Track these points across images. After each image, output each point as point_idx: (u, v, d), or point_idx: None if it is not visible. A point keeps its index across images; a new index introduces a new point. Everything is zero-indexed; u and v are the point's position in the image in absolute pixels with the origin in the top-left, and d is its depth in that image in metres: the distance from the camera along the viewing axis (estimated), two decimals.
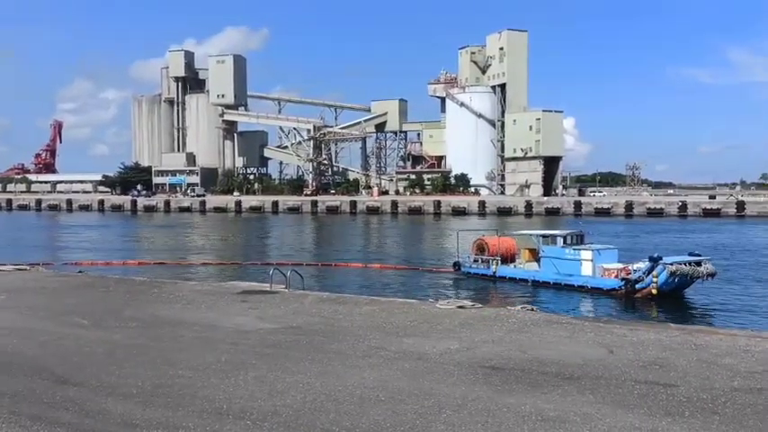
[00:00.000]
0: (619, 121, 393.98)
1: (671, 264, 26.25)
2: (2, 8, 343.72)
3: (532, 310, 13.67)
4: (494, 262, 33.12)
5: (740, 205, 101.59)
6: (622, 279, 27.47)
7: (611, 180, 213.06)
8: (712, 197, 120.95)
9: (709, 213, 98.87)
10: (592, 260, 28.83)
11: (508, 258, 33.53)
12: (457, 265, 35.41)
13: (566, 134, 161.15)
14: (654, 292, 26.35)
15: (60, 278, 20.21)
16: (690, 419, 7.25)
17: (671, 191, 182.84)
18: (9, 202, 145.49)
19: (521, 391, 8.34)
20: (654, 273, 26.32)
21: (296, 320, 12.77)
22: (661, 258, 26.63)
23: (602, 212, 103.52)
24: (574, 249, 29.93)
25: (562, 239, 30.86)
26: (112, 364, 9.77)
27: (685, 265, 26.42)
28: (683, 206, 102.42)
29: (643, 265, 27.38)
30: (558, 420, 7.26)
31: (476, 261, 34.57)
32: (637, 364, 9.59)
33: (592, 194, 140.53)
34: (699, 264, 26.81)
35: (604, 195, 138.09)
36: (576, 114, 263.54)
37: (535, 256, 32.40)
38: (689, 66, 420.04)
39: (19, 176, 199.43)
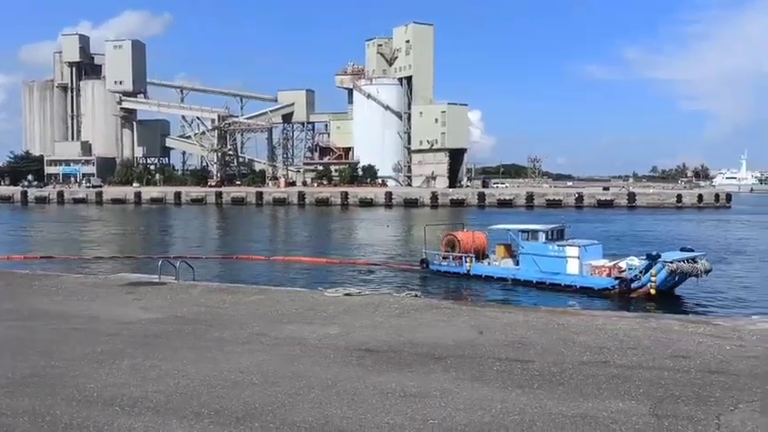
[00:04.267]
0: (523, 115, 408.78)
1: (671, 262, 24.60)
2: None
3: (416, 296, 14.25)
4: (467, 259, 30.57)
5: (631, 196, 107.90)
6: (616, 278, 25.60)
7: (514, 172, 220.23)
8: (606, 189, 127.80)
9: (603, 204, 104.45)
10: (578, 257, 26.76)
11: (480, 255, 31.12)
12: (424, 263, 32.73)
13: (471, 127, 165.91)
14: (652, 292, 24.61)
15: None
16: (537, 390, 7.95)
17: (570, 183, 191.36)
18: None
19: (389, 371, 8.82)
20: (652, 271, 24.58)
21: (180, 310, 12.80)
22: (659, 256, 24.95)
23: (505, 203, 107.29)
24: (558, 245, 27.71)
25: (544, 235, 28.52)
26: None
27: (685, 262, 24.89)
28: (580, 197, 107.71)
29: (638, 262, 25.65)
30: (418, 395, 7.77)
31: (446, 258, 31.86)
32: (502, 343, 10.31)
33: (495, 186, 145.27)
34: (695, 260, 25.33)
35: (507, 187, 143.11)
36: (481, 108, 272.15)
37: (510, 252, 30.43)
38: (588, 62, 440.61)
39: None
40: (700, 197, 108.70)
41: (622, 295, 25.17)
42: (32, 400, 7.61)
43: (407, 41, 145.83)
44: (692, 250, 26.79)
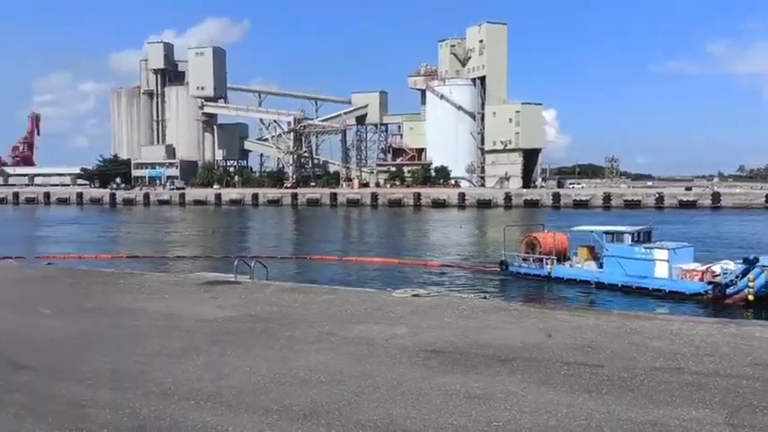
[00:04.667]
0: (600, 114, 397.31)
1: None
2: None
3: (485, 297, 14.18)
4: (548, 261, 29.72)
5: (716, 197, 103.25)
6: (709, 282, 24.41)
7: (590, 172, 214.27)
8: (689, 189, 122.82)
9: (685, 205, 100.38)
10: (668, 260, 25.67)
11: (561, 257, 30.35)
12: (503, 264, 32.01)
13: (546, 126, 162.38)
14: (750, 298, 23.21)
15: (28, 271, 20.45)
16: (605, 395, 7.80)
17: (650, 183, 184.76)
18: None
19: (454, 372, 8.84)
20: (750, 276, 23.19)
21: (254, 309, 13.19)
22: (758, 260, 23.62)
23: (581, 204, 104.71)
24: (645, 248, 26.74)
25: (630, 237, 27.54)
26: (70, 351, 10.13)
27: None
28: (660, 198, 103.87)
29: (733, 266, 24.37)
30: (483, 397, 7.77)
31: (526, 260, 31.11)
32: (571, 346, 10.13)
33: (570, 186, 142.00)
34: None
35: (583, 187, 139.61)
36: (557, 106, 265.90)
37: (594, 254, 29.48)
38: (670, 58, 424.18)
39: None
40: None
41: (716, 301, 23.85)
42: (114, 393, 8.04)
43: (481, 41, 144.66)
44: None
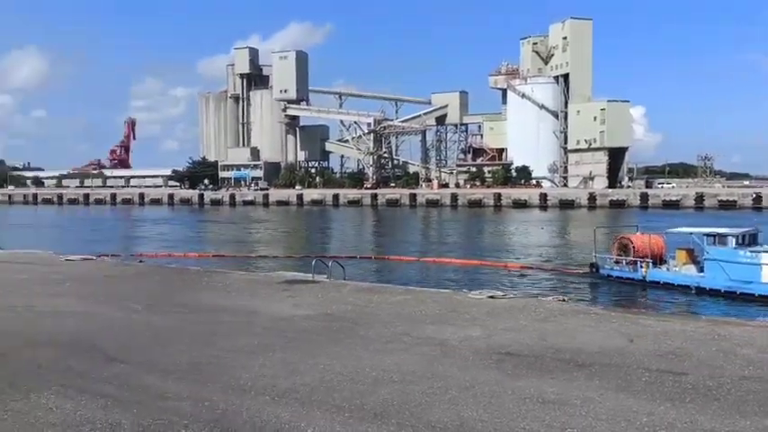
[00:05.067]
0: (693, 110, 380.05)
1: None
2: (75, 12, 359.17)
3: (563, 300, 13.86)
4: (643, 264, 28.46)
5: None
6: None
7: (681, 171, 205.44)
8: None
9: None
10: None
11: (657, 260, 28.97)
12: (594, 267, 30.98)
13: (633, 124, 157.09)
14: None
15: (121, 268, 21.55)
16: (688, 404, 7.46)
17: (747, 182, 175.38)
18: (86, 196, 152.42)
19: (529, 375, 8.68)
20: None
21: (330, 308, 13.39)
22: None
23: (671, 205, 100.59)
24: (751, 251, 25.46)
25: (735, 239, 26.15)
26: (157, 345, 10.59)
27: None
28: (758, 198, 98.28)
29: None
30: (558, 403, 7.59)
31: (618, 262, 30.02)
32: (654, 353, 9.76)
33: (660, 186, 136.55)
34: None
35: (673, 187, 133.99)
36: (645, 103, 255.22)
37: (693, 258, 28.21)
38: (765, 51, 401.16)
39: (95, 171, 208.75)
40: None
41: None
42: (195, 386, 8.35)
43: (564, 38, 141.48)
44: None
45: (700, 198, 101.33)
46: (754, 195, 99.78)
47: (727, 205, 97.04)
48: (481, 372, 8.85)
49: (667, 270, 28.24)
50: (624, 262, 29.59)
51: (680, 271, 27.69)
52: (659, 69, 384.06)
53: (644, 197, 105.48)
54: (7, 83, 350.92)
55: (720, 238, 26.53)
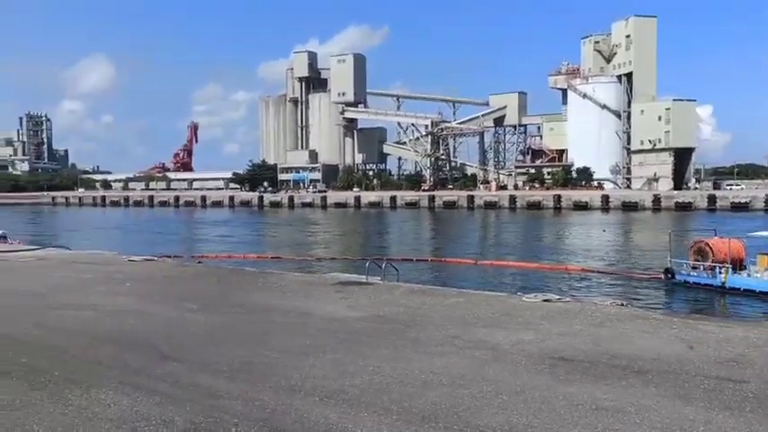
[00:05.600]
0: (762, 109, 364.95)
1: None
2: (140, 18, 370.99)
3: (622, 305, 13.49)
4: (722, 270, 27.58)
5: None
6: None
7: (751, 172, 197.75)
8: None
9: None
10: None
11: (736, 266, 28.15)
12: (669, 272, 30.20)
13: (701, 123, 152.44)
14: None
15: (180, 268, 22.10)
16: (748, 414, 7.14)
17: None
18: (151, 198, 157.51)
19: (583, 381, 8.46)
20: None
21: (382, 310, 13.39)
22: None
23: (740, 207, 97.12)
24: None
25: None
26: (210, 344, 10.80)
27: None
28: None
29: None
30: (612, 410, 7.37)
31: (695, 268, 29.15)
32: (714, 360, 9.38)
33: (728, 188, 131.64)
34: None
35: (742, 189, 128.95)
36: (714, 102, 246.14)
37: None
38: None
39: (160, 174, 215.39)
40: None
41: None
42: (245, 386, 8.47)
43: (628, 36, 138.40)
44: None
45: None
46: None
47: None
48: (533, 377, 8.68)
49: (748, 276, 27.23)
50: (702, 267, 28.66)
51: (762, 277, 26.70)
52: (727, 67, 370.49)
53: (711, 199, 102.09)
54: (78, 89, 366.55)
55: None
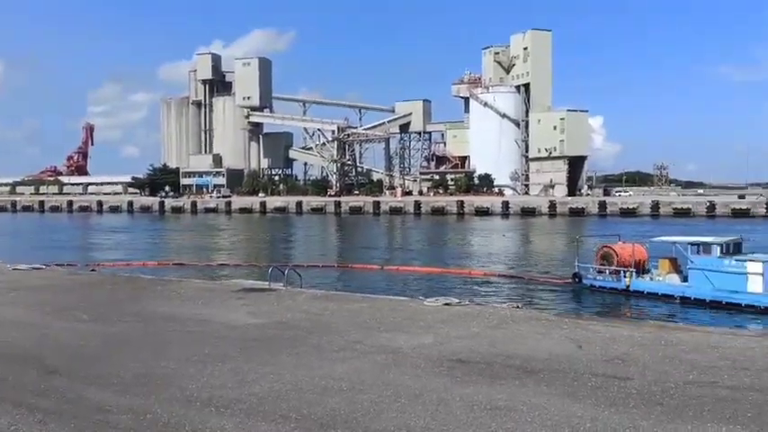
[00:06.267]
0: (649, 121, 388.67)
1: None
2: (29, 13, 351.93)
3: (517, 307, 13.96)
4: (627, 273, 28.15)
5: None
6: None
7: (639, 180, 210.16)
8: (741, 197, 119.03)
9: (738, 213, 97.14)
10: (762, 273, 24.12)
11: (640, 270, 28.69)
12: (577, 277, 30.48)
13: (592, 133, 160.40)
14: None
15: (72, 277, 21.02)
16: (632, 410, 7.55)
17: (701, 191, 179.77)
18: (41, 203, 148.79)
19: (479, 382, 8.70)
20: None
21: (284, 316, 13.26)
22: None
23: (628, 213, 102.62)
24: (736, 260, 25.25)
25: (719, 248, 25.88)
26: (102, 356, 10.33)
27: None
28: (712, 206, 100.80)
29: None
30: (505, 409, 7.61)
31: (601, 272, 29.65)
32: (601, 358, 9.88)
33: (617, 194, 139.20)
34: None
35: (630, 195, 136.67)
36: (604, 113, 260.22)
37: (676, 267, 28.03)
38: (721, 63, 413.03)
39: (51, 178, 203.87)
40: None
41: None
42: (138, 399, 8.15)
43: (525, 48, 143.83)
44: None
45: (656, 206, 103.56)
46: (708, 204, 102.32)
47: (681, 213, 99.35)
48: (431, 379, 8.84)
49: (651, 279, 28.09)
50: (607, 271, 29.30)
51: (663, 280, 27.60)
52: (618, 81, 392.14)
53: (602, 205, 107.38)
54: None
55: (705, 247, 26.34)
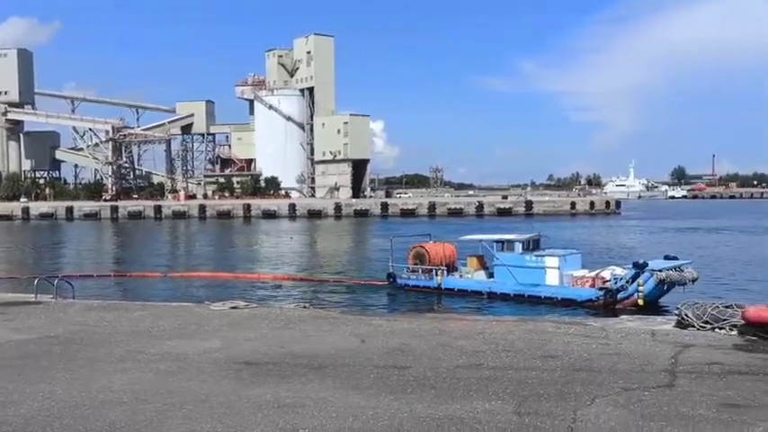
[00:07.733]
0: (425, 126, 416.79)
1: (659, 270, 23.22)
2: None
3: (305, 307, 14.27)
4: (438, 272, 28.60)
5: (528, 204, 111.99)
6: (600, 288, 24.22)
7: (417, 182, 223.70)
8: (505, 197, 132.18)
9: (502, 212, 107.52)
10: (558, 267, 25.49)
11: (450, 268, 29.14)
12: (391, 277, 30.43)
13: (374, 137, 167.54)
14: (640, 302, 23.05)
15: None
16: (409, 395, 8.16)
17: (471, 192, 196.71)
18: None
19: (266, 383, 8.80)
20: (639, 281, 23.29)
21: (55, 330, 12.25)
22: (646, 265, 23.62)
23: (408, 213, 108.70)
24: (536, 256, 26.44)
25: (521, 245, 27.07)
26: None
27: (673, 270, 23.51)
28: (480, 206, 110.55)
29: (621, 271, 24.44)
30: (293, 406, 7.81)
31: (414, 272, 29.75)
32: (383, 351, 10.49)
33: (398, 196, 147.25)
34: (681, 269, 23.94)
35: (410, 197, 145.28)
36: (384, 118, 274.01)
37: (483, 264, 28.75)
38: (487, 75, 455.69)
39: None
40: (591, 204, 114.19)
41: (607, 307, 23.50)
42: None
43: (308, 53, 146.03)
44: (677, 258, 25.21)
45: (432, 207, 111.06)
46: (477, 204, 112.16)
47: (455, 213, 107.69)
48: (218, 383, 8.76)
49: (460, 277, 28.78)
50: (420, 271, 29.62)
51: (472, 277, 28.43)
52: (397, 88, 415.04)
53: (384, 206, 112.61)
54: None
55: (508, 244, 27.51)
